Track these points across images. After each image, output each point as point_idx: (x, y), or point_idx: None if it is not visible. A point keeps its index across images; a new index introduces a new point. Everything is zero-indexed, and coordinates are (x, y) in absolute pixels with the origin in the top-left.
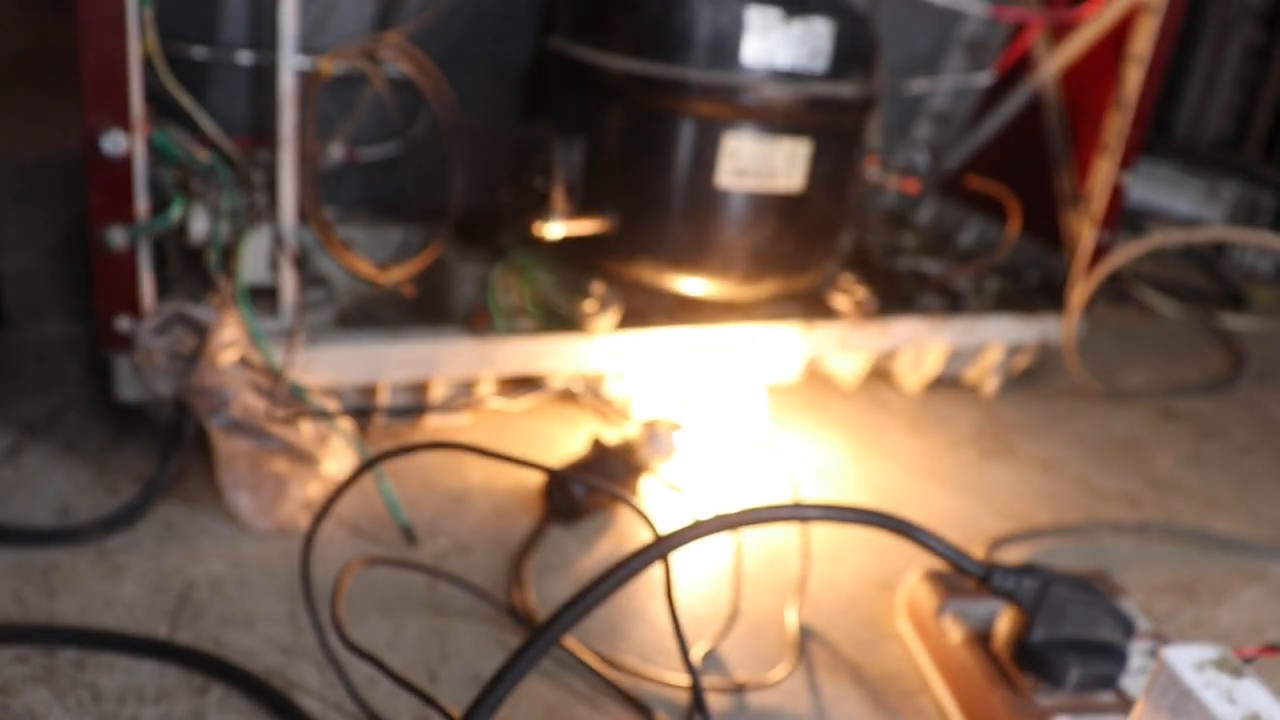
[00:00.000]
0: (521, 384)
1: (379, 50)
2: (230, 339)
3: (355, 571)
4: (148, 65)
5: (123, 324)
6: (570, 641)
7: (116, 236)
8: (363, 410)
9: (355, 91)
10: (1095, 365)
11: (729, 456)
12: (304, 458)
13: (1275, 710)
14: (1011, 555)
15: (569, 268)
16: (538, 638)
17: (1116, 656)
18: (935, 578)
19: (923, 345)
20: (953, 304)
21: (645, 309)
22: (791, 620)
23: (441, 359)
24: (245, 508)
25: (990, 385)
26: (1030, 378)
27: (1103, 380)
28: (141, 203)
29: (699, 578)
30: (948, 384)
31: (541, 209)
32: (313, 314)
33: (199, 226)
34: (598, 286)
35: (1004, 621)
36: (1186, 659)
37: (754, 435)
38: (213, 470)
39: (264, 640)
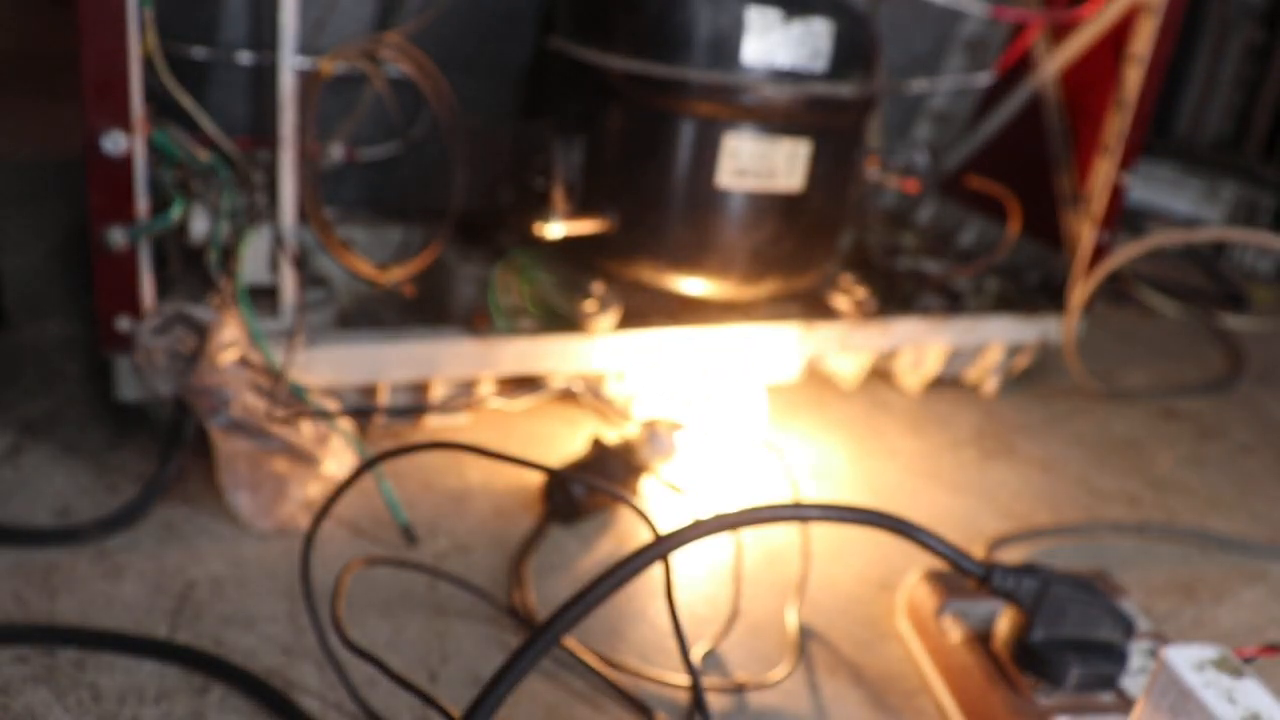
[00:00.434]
0: (521, 384)
1: (379, 50)
2: (230, 339)
3: (355, 571)
4: (148, 65)
5: (123, 324)
6: (570, 641)
7: (117, 236)
8: (363, 410)
9: (355, 91)
10: (1095, 365)
11: (729, 456)
12: (304, 458)
13: (1275, 710)
14: (1011, 555)
15: (569, 268)
16: (537, 638)
17: (1116, 656)
18: (935, 578)
19: (923, 345)
20: (953, 304)
21: (645, 309)
22: (791, 620)
23: (442, 359)
24: (245, 508)
25: (990, 385)
26: (1030, 378)
27: (1103, 380)
28: (142, 203)
29: (699, 577)
30: (948, 384)
31: (541, 209)
32: (313, 314)
33: (199, 226)
34: (598, 286)
35: (1004, 621)
36: (1186, 659)
37: (754, 435)
38: (213, 470)
39: (264, 640)
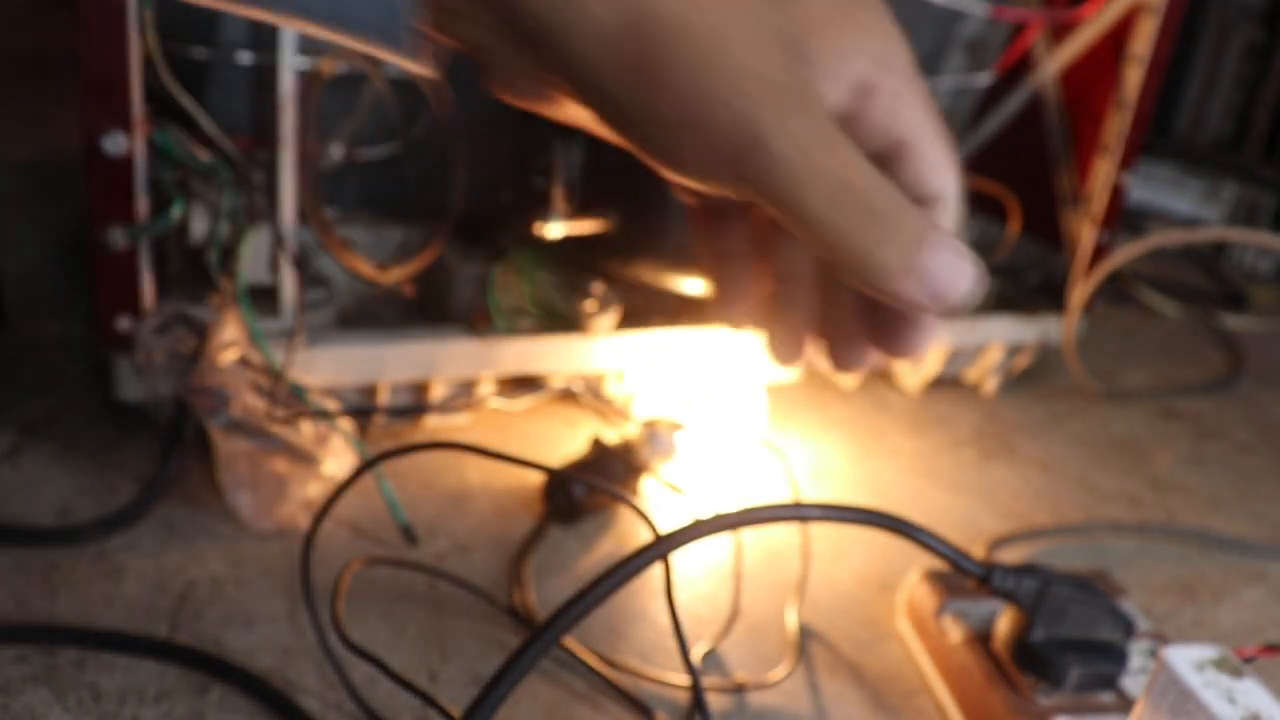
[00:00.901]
0: (521, 384)
1: None
2: (230, 339)
3: (355, 571)
4: (148, 65)
5: (123, 324)
6: (570, 641)
7: (116, 237)
8: (363, 410)
9: (355, 91)
10: (1095, 365)
11: (729, 456)
12: (304, 458)
13: (1275, 710)
14: (1011, 555)
15: (569, 268)
16: (537, 638)
17: (1117, 656)
18: (935, 577)
19: None
20: None
21: (645, 309)
22: (791, 620)
23: (442, 359)
24: (245, 508)
25: (990, 385)
26: (1030, 378)
27: (1103, 380)
28: (141, 203)
29: (698, 577)
30: (948, 384)
31: (541, 209)
32: (313, 314)
33: (199, 226)
34: (598, 286)
35: (1004, 621)
36: (1186, 659)
37: (754, 435)
38: (213, 470)
39: (264, 640)
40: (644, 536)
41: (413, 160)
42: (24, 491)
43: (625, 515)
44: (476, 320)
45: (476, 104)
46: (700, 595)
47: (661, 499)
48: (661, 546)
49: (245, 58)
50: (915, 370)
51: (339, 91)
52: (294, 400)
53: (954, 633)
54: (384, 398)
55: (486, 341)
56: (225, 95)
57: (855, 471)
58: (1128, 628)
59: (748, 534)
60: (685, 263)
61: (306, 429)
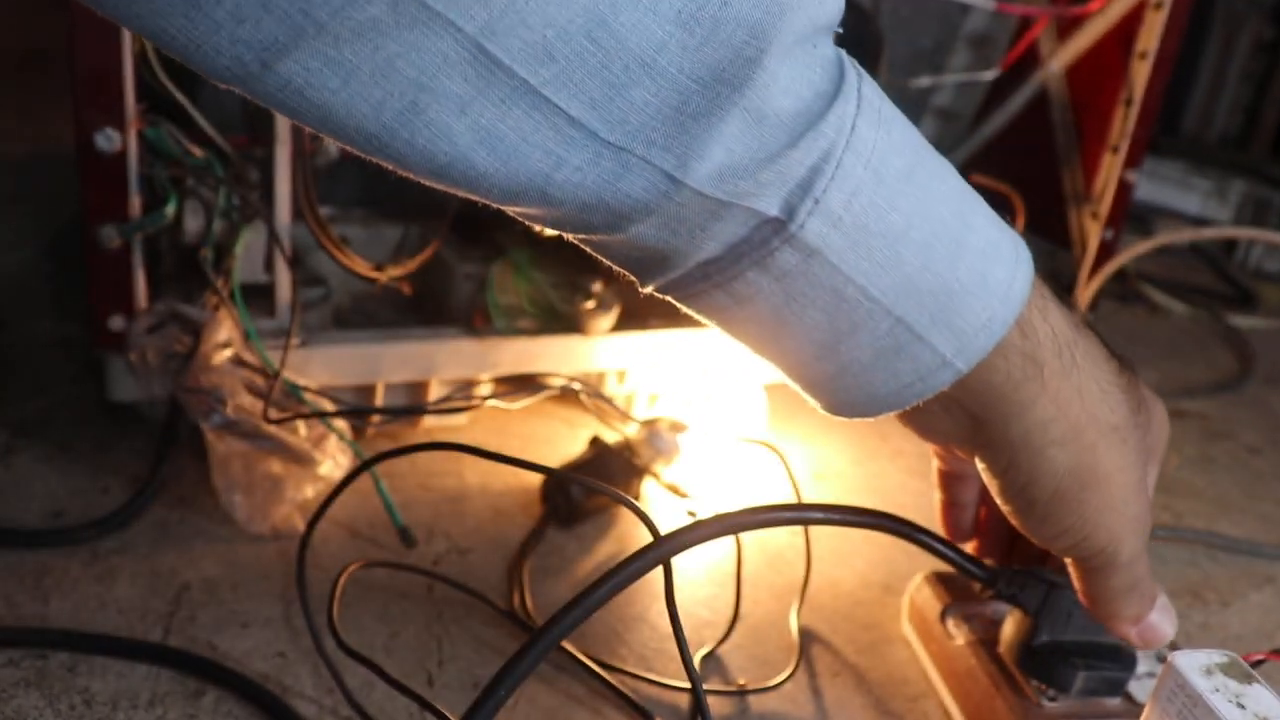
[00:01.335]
0: (521, 384)
1: None
2: (225, 338)
3: (352, 574)
4: (141, 60)
5: (116, 323)
6: (569, 645)
7: (109, 234)
8: (360, 410)
9: None
10: None
11: (730, 457)
12: (300, 459)
13: None
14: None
15: (569, 267)
16: (535, 642)
17: (1124, 661)
18: (939, 580)
19: None
20: None
21: (645, 309)
22: (793, 623)
23: (439, 359)
24: (240, 509)
25: None
26: None
27: None
28: (135, 200)
29: (699, 580)
30: None
31: None
32: (309, 313)
33: (193, 224)
34: (598, 286)
35: (1009, 626)
36: (1194, 663)
37: (754, 436)
38: (207, 471)
39: (259, 644)
40: (644, 538)
41: None
42: (15, 492)
43: (625, 517)
44: (475, 320)
45: None
46: (701, 598)
47: (662, 500)
48: (662, 549)
49: None
50: None
51: None
52: (290, 401)
53: (959, 636)
54: (381, 398)
55: (485, 341)
56: (219, 91)
57: (857, 473)
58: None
59: (749, 536)
60: None
61: (302, 430)
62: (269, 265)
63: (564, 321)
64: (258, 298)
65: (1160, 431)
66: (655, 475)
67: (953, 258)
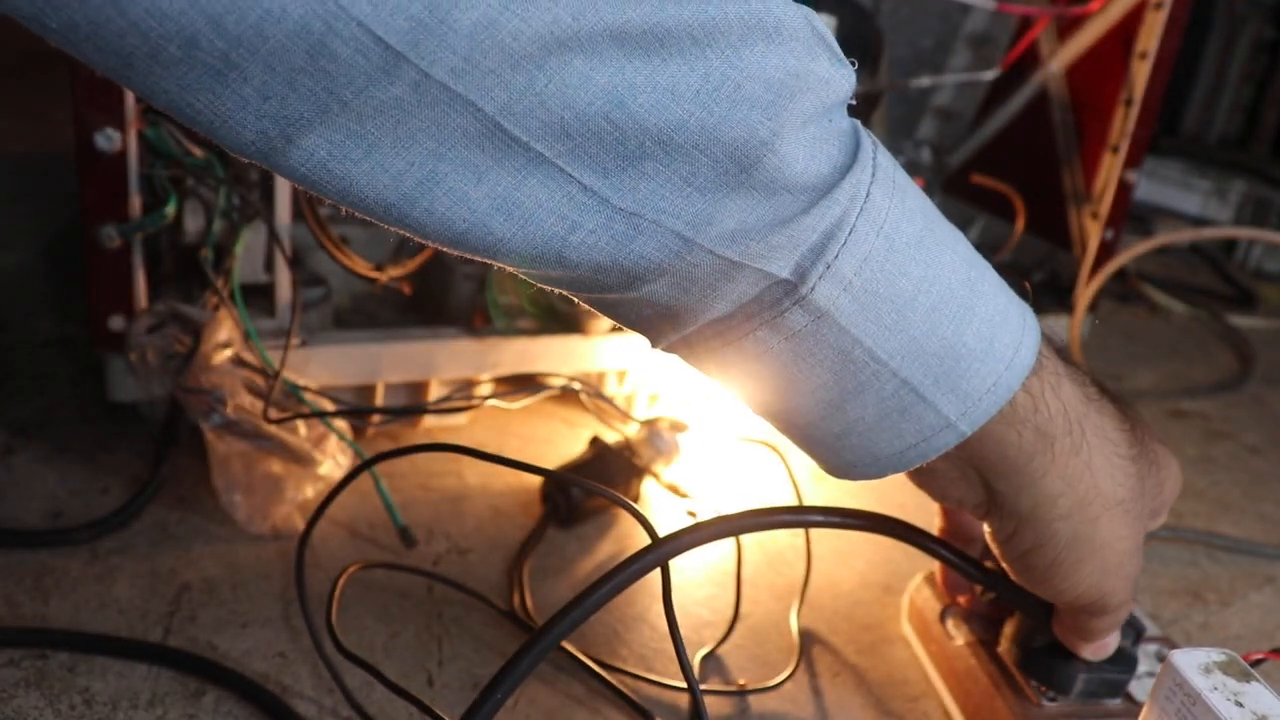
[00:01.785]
0: (521, 384)
1: None
2: (225, 338)
3: (352, 574)
4: None
5: (116, 323)
6: (568, 645)
7: (109, 234)
8: (360, 410)
9: None
10: (1101, 365)
11: (730, 457)
12: (300, 459)
13: None
14: None
15: None
16: (535, 642)
17: (1125, 663)
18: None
19: None
20: None
21: None
22: (793, 623)
23: (440, 359)
24: (240, 509)
25: None
26: None
27: (1109, 380)
28: (135, 200)
29: (699, 580)
30: None
31: None
32: (309, 313)
33: (193, 224)
34: None
35: (1009, 626)
36: (1193, 662)
37: (755, 436)
38: (207, 472)
39: (259, 644)
40: (644, 539)
41: None
42: (15, 493)
43: (625, 517)
44: (475, 320)
45: None
46: (701, 598)
47: (662, 500)
48: (660, 551)
49: None
50: None
51: None
52: (289, 401)
53: (959, 636)
54: (381, 398)
55: (485, 341)
56: None
57: None
58: (1137, 633)
59: (749, 536)
60: None
61: (302, 430)
62: (269, 265)
63: (564, 321)
64: (258, 298)
65: (1172, 489)
66: (655, 475)
67: (960, 323)
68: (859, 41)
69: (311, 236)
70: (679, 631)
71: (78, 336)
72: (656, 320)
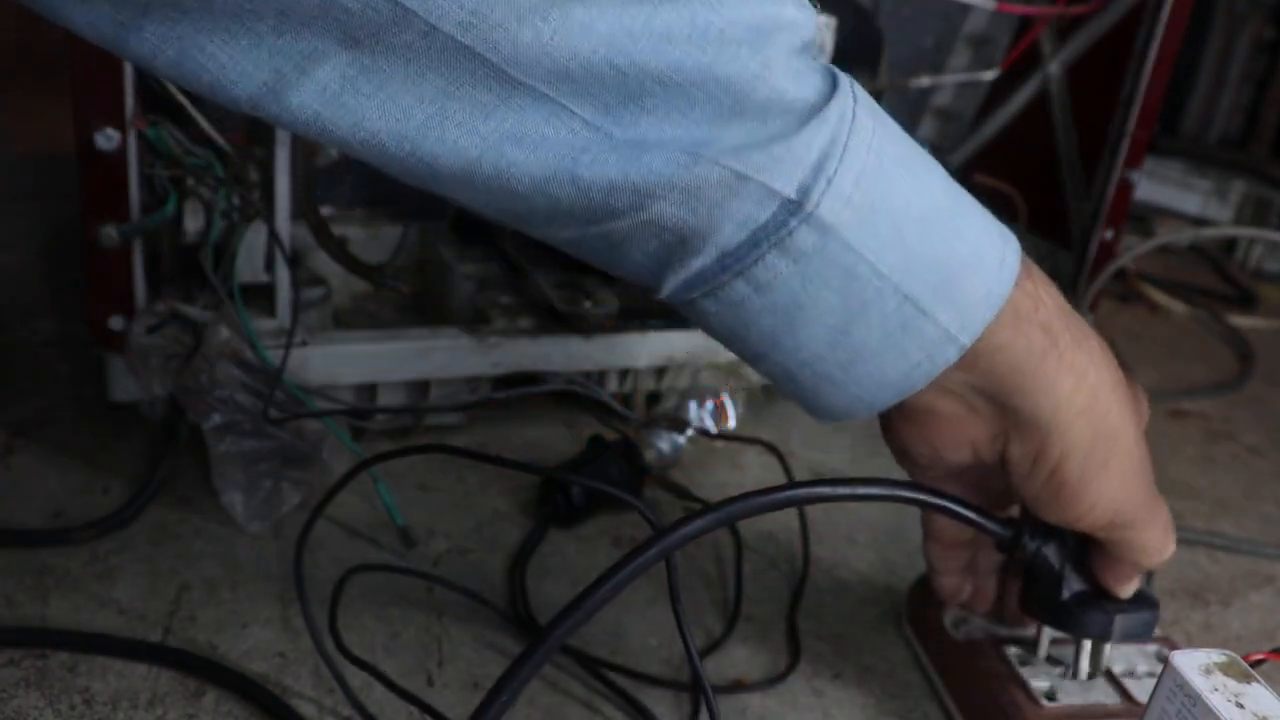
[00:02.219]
0: (521, 384)
1: None
2: (225, 338)
3: (352, 574)
4: None
5: (115, 323)
6: (568, 644)
7: (109, 234)
8: (360, 410)
9: None
10: None
11: (730, 457)
12: (300, 459)
13: None
14: None
15: (569, 266)
16: (540, 644)
17: (1148, 602)
18: None
19: None
20: None
21: (645, 308)
22: (793, 623)
23: (439, 359)
24: (240, 509)
25: None
26: None
27: None
28: (134, 200)
29: (698, 580)
30: None
31: None
32: (309, 313)
33: (193, 224)
34: (598, 286)
35: (1030, 585)
36: (1193, 663)
37: (755, 435)
38: (207, 471)
39: (259, 644)
40: (644, 538)
41: None
42: (15, 493)
43: (625, 518)
44: (475, 319)
45: None
46: (700, 597)
47: (662, 500)
48: (664, 541)
49: None
50: None
51: None
52: (289, 401)
53: (958, 636)
54: (381, 398)
55: (485, 341)
56: None
57: (857, 472)
58: (1147, 574)
59: (749, 533)
60: None
61: (302, 430)
62: (269, 265)
63: (564, 321)
64: (258, 298)
65: (1145, 408)
66: (655, 475)
67: (950, 236)
68: (859, 41)
69: (311, 236)
70: (687, 626)
71: (78, 336)
72: (665, 253)
